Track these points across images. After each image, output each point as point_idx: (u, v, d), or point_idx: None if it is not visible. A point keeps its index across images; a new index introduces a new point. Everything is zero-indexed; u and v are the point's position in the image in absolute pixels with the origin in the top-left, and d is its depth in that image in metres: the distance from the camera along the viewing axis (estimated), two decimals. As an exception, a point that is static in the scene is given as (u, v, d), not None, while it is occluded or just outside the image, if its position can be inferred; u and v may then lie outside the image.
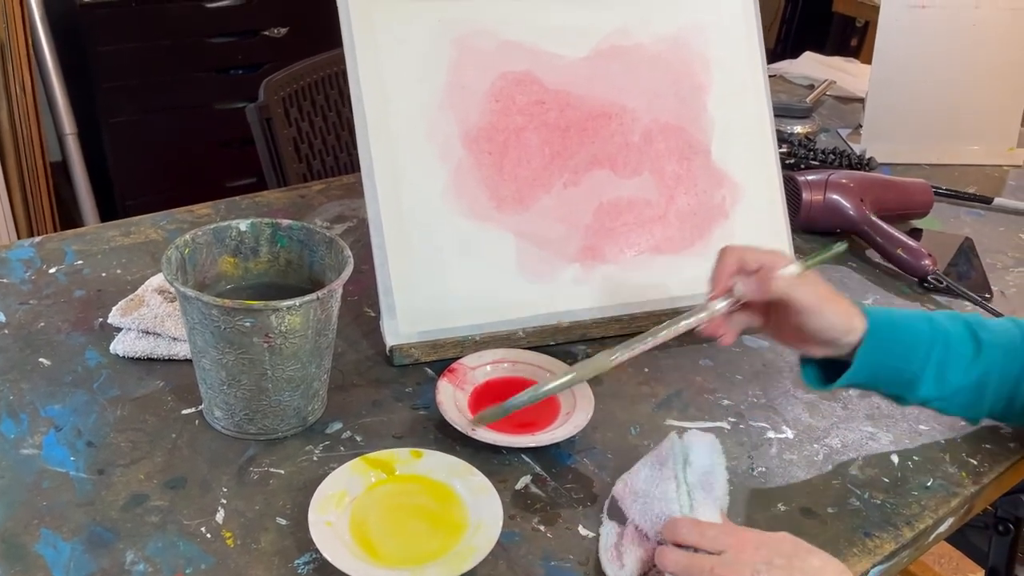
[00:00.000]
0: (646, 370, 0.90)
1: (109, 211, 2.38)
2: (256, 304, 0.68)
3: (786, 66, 1.82)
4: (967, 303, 1.04)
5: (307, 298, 0.69)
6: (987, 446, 0.83)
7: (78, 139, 2.26)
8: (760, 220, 1.00)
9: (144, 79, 2.24)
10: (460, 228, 0.90)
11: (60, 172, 2.39)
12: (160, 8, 2.19)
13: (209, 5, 2.26)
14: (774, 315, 0.77)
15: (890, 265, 1.11)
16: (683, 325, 0.75)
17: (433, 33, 0.90)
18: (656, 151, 0.97)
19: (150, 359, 0.84)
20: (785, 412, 0.86)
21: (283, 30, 2.38)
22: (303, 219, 1.13)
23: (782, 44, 4.07)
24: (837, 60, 1.85)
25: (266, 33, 2.37)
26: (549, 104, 0.94)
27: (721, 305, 0.75)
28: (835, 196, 1.14)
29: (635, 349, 0.75)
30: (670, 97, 0.98)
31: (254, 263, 0.81)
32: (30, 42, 2.06)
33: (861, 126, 1.48)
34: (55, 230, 2.27)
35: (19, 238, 2.19)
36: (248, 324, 0.69)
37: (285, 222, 0.80)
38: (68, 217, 2.45)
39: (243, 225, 0.79)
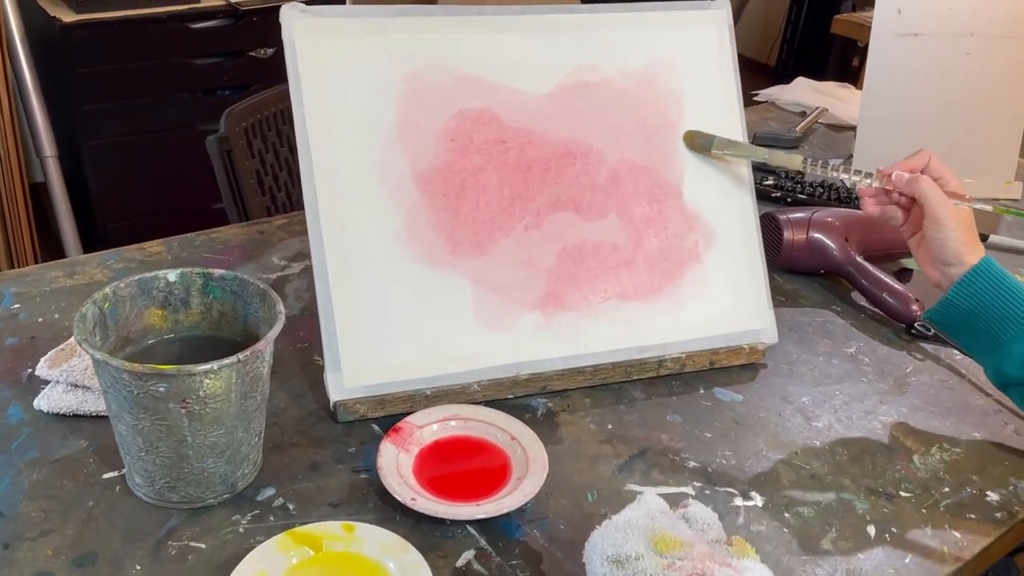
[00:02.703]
0: (610, 426, 0.85)
1: (91, 235, 2.34)
2: (168, 369, 0.62)
3: (777, 92, 1.77)
4: (956, 352, 0.98)
5: (226, 361, 0.64)
6: (972, 516, 0.77)
7: (58, 161, 2.23)
8: (735, 264, 0.95)
9: (126, 100, 2.21)
10: (413, 274, 0.85)
11: (46, 194, 2.35)
12: (143, 29, 2.16)
13: (194, 26, 2.22)
14: (913, 221, 0.86)
15: (876, 310, 1.05)
16: (850, 177, 0.87)
17: (384, 68, 0.85)
18: (623, 192, 0.92)
19: (76, 416, 0.79)
20: (755, 475, 0.80)
21: (269, 51, 2.34)
22: (261, 256, 1.08)
23: (783, 64, 4.03)
24: (830, 86, 1.79)
25: (252, 54, 2.34)
26: (509, 143, 0.89)
27: (871, 181, 0.86)
28: (818, 235, 1.09)
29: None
30: (639, 136, 0.92)
31: (185, 315, 0.76)
32: (7, 62, 2.02)
33: (853, 156, 1.42)
34: (34, 253, 2.24)
35: (-3, 262, 2.15)
36: (162, 389, 0.63)
37: (217, 272, 0.75)
38: (53, 240, 2.41)
39: (172, 275, 0.74)
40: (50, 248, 2.38)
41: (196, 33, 2.23)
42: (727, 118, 0.95)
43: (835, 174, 0.88)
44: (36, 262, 2.26)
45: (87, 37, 2.09)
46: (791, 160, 0.91)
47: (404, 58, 0.86)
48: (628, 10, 0.93)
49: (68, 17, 2.07)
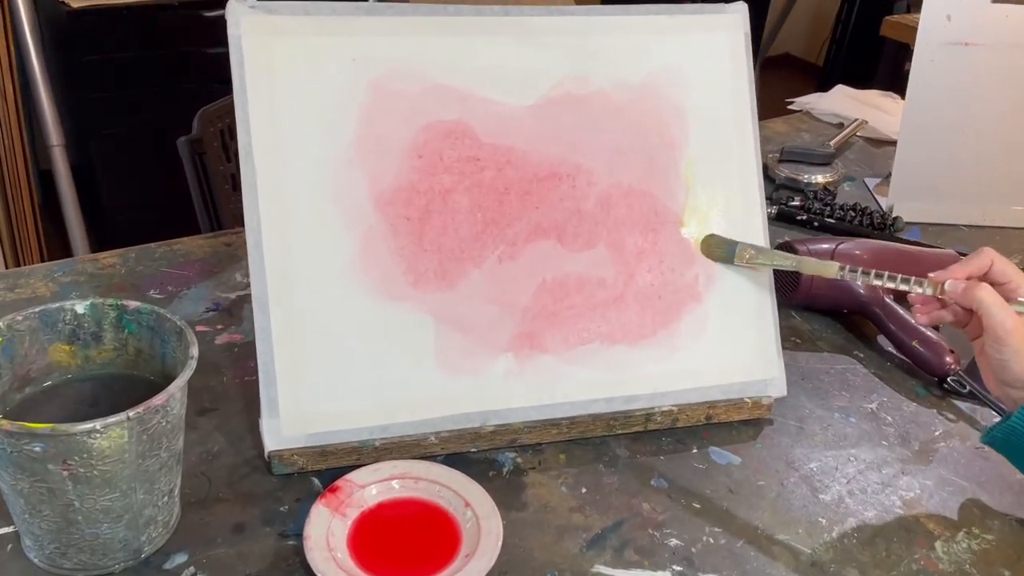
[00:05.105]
0: (584, 490, 0.74)
1: (100, 226, 2.29)
2: (41, 428, 0.53)
3: (814, 100, 1.64)
4: (995, 414, 0.86)
5: (113, 419, 0.55)
6: (1002, 624, 0.65)
7: (65, 151, 2.17)
8: (742, 303, 0.83)
9: (136, 89, 2.14)
10: (366, 308, 0.75)
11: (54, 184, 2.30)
12: (154, 16, 2.09)
13: (207, 13, 2.15)
14: (974, 327, 0.74)
15: (905, 358, 0.93)
16: (897, 284, 0.74)
17: (345, 74, 0.75)
18: (615, 219, 0.81)
19: (-19, 456, 0.71)
20: (747, 560, 0.69)
21: (286, 41, 2.26)
22: (223, 272, 0.99)
23: (831, 64, 3.85)
24: (872, 95, 1.65)
25: (268, 44, 2.25)
26: (485, 161, 0.78)
27: (923, 289, 0.74)
28: (843, 270, 0.96)
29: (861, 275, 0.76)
30: (635, 155, 0.81)
31: (96, 351, 0.67)
32: (12, 49, 1.97)
33: (891, 175, 1.29)
34: (39, 243, 2.18)
35: (2, 254, 2.10)
36: (38, 449, 0.54)
37: (132, 304, 0.66)
38: (61, 232, 2.35)
39: (80, 307, 0.65)
40: (57, 242, 2.33)
41: (209, 20, 2.16)
42: (738, 138, 0.84)
43: (878, 282, 0.74)
44: (41, 253, 2.21)
45: (96, 24, 2.03)
46: (827, 268, 0.78)
47: (368, 63, 0.76)
48: (627, 13, 0.81)
49: (76, 3, 2.01)
